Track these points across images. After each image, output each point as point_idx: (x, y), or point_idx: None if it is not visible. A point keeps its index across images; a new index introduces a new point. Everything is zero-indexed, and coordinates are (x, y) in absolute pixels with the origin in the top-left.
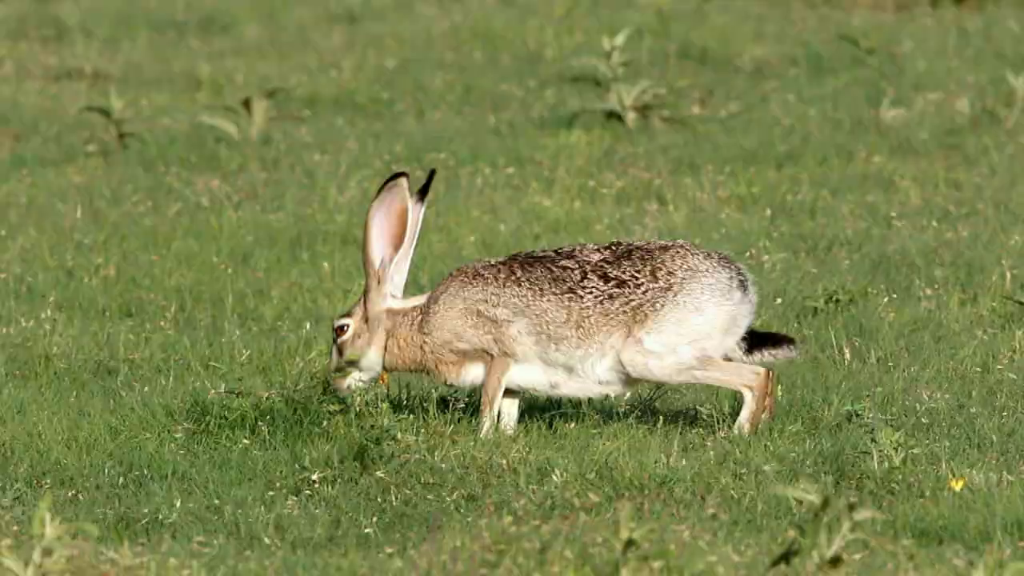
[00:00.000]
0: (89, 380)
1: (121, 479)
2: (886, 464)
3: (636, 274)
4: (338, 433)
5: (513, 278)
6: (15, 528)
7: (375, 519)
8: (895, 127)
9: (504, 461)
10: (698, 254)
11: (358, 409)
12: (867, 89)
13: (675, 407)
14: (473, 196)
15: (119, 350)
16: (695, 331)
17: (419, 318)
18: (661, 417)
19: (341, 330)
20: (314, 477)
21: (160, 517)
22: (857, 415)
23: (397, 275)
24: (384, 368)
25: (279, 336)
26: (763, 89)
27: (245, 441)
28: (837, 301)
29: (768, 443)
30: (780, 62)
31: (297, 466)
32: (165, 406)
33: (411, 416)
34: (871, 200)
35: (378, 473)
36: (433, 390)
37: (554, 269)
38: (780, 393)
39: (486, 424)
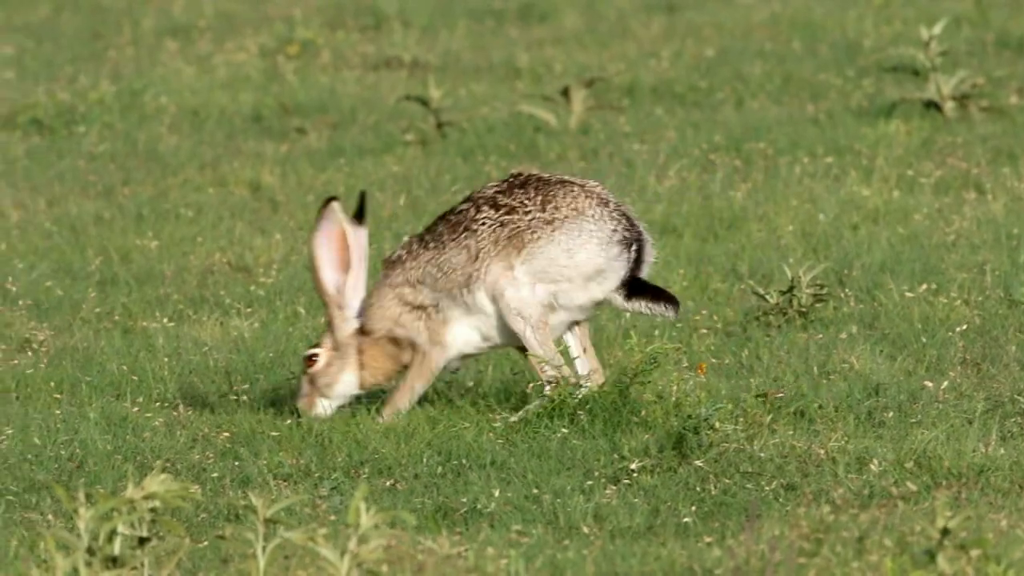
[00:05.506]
0: None
1: (439, 468)
2: None
3: (526, 202)
4: (656, 422)
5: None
6: (332, 517)
7: (694, 508)
8: None
9: (823, 450)
10: (592, 198)
11: (676, 399)
12: None
13: (993, 395)
14: (792, 185)
15: None
16: (560, 272)
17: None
18: (979, 406)
19: (311, 360)
20: (633, 466)
21: (478, 506)
22: None
23: (354, 298)
24: (360, 388)
25: (598, 324)
26: None
27: (564, 430)
28: None
29: None
30: None
31: (616, 455)
32: (484, 395)
33: (729, 405)
34: None
35: (697, 462)
36: (751, 380)
37: (452, 217)
38: None
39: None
